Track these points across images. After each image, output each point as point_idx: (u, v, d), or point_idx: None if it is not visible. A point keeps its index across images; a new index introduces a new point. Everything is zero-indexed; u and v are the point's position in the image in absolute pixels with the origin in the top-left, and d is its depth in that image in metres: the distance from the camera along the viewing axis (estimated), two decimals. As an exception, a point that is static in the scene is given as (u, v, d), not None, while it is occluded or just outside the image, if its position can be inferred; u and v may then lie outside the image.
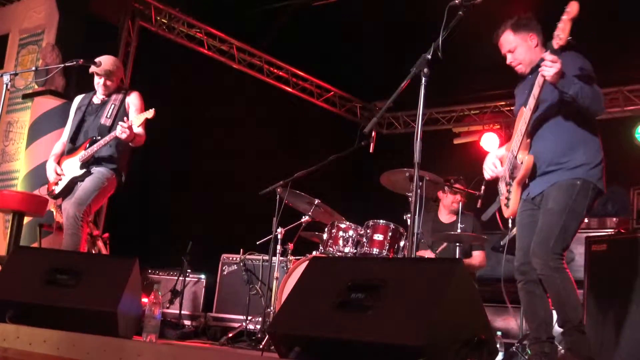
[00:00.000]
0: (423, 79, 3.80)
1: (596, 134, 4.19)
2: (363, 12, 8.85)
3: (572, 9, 3.73)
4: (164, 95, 8.80)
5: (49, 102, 8.10)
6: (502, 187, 4.44)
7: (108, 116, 5.55)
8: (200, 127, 9.31)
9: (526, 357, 5.42)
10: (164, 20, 9.25)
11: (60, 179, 5.61)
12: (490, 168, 4.49)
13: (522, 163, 4.21)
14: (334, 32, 9.27)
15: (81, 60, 5.66)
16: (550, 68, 3.82)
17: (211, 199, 9.15)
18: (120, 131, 5.27)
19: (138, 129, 5.41)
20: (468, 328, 2.93)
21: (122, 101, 5.64)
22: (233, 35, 9.77)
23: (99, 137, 5.48)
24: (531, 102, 4.10)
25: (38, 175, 7.90)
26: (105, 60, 5.66)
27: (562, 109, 4.12)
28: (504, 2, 7.53)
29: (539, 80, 3.99)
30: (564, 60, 3.90)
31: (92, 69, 5.64)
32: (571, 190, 4.06)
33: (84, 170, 5.47)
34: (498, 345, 5.56)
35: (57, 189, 5.61)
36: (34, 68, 6.85)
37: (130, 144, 5.49)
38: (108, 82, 5.64)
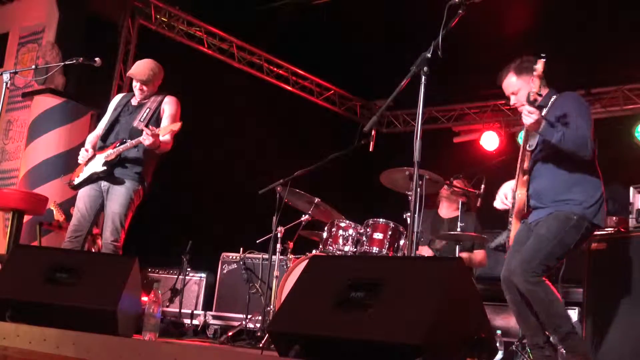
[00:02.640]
0: (423, 77, 3.81)
1: (593, 173, 4.32)
2: (363, 10, 8.84)
3: (539, 67, 4.07)
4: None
5: (49, 101, 8.10)
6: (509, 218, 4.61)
7: (142, 120, 5.48)
8: (200, 125, 9.29)
9: (526, 356, 5.43)
10: (164, 19, 9.25)
11: (83, 165, 5.54)
12: (502, 199, 4.65)
13: (517, 199, 4.41)
14: (334, 30, 9.26)
15: (81, 58, 5.64)
16: (527, 118, 4.07)
17: (211, 197, 9.15)
18: (144, 137, 5.23)
19: (164, 137, 5.36)
20: (468, 327, 2.93)
21: (159, 105, 5.56)
22: (233, 33, 9.77)
23: (129, 140, 5.43)
24: (522, 142, 4.38)
25: (38, 173, 7.91)
26: (143, 66, 5.59)
27: (557, 151, 4.23)
28: (504, 0, 7.55)
29: (524, 128, 4.25)
30: (557, 103, 4.25)
31: (130, 73, 5.60)
32: (566, 223, 4.21)
33: (104, 168, 5.39)
34: (498, 344, 5.57)
35: (77, 181, 5.53)
36: (33, 66, 6.86)
37: (155, 150, 5.46)
38: (144, 87, 5.57)
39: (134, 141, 5.35)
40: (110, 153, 5.40)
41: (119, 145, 5.41)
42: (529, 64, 4.36)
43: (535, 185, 4.37)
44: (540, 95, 4.15)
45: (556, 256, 4.22)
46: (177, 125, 5.35)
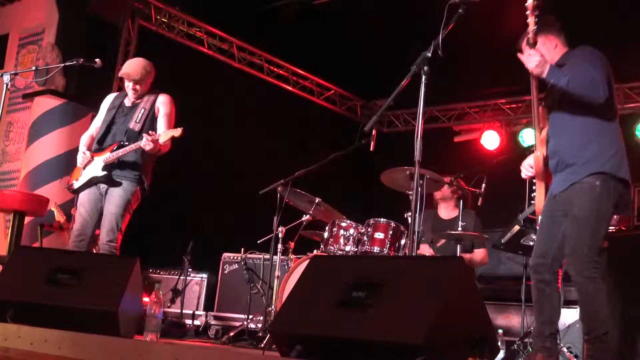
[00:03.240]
0: (423, 77, 3.81)
1: (609, 125, 4.19)
2: (363, 10, 8.85)
3: (528, 3, 3.96)
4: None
5: (49, 102, 8.10)
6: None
7: (137, 121, 5.48)
8: (201, 125, 9.30)
9: (527, 354, 5.43)
10: (164, 19, 9.25)
11: (87, 162, 5.53)
12: (527, 168, 4.50)
13: (534, 160, 4.31)
14: (334, 30, 9.27)
15: (81, 59, 5.64)
16: (527, 62, 4.00)
17: (212, 198, 9.14)
18: (145, 143, 5.23)
19: (163, 142, 5.35)
20: (469, 326, 2.93)
21: (152, 105, 5.56)
22: (233, 34, 9.77)
23: (127, 142, 5.41)
24: (533, 93, 4.21)
25: (39, 175, 7.91)
26: (134, 65, 5.57)
27: (570, 105, 4.15)
28: (504, 0, 7.54)
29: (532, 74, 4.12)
30: (572, 56, 4.10)
31: (121, 73, 5.58)
32: (593, 193, 4.06)
33: (105, 172, 5.40)
34: (499, 343, 5.57)
35: (76, 184, 5.55)
36: (34, 68, 6.85)
37: (154, 154, 5.46)
38: (137, 87, 5.56)
39: (133, 146, 5.35)
40: (109, 156, 5.40)
41: (116, 148, 5.41)
42: (545, 24, 4.27)
43: (553, 144, 4.25)
44: (535, 33, 4.00)
45: (602, 232, 4.06)
46: (178, 131, 5.34)
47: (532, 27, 3.98)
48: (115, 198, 5.39)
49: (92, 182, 5.46)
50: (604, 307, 4.01)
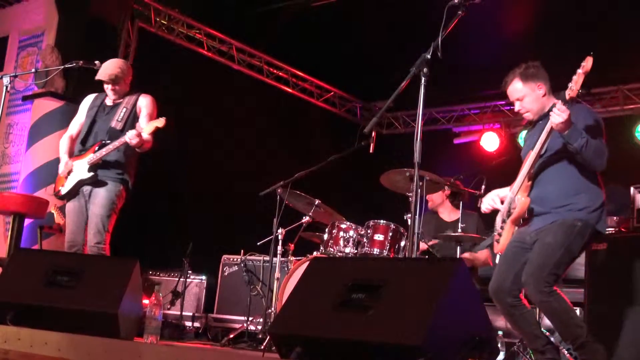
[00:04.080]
0: (423, 78, 3.81)
1: (596, 182, 4.30)
2: (362, 12, 8.85)
3: (587, 64, 3.96)
4: (163, 96, 8.79)
5: (49, 104, 8.10)
6: (498, 222, 4.54)
7: (119, 119, 5.50)
8: (200, 127, 9.31)
9: (527, 356, 5.42)
10: (164, 21, 9.25)
11: (64, 176, 5.55)
12: (489, 203, 4.59)
13: (518, 204, 4.33)
14: (334, 32, 9.27)
15: (81, 61, 5.64)
16: (558, 117, 3.97)
17: (211, 200, 9.14)
18: (130, 138, 5.26)
19: (147, 136, 5.38)
20: (469, 327, 2.93)
21: (134, 104, 5.58)
22: (233, 36, 9.77)
23: (109, 141, 5.42)
24: (537, 147, 4.25)
25: (39, 177, 7.91)
26: (110, 66, 5.59)
27: (567, 157, 4.24)
28: (503, 1, 7.56)
29: (547, 128, 4.15)
30: (575, 112, 4.10)
31: (98, 76, 5.58)
32: (571, 230, 4.17)
33: (91, 173, 5.41)
34: (499, 345, 5.57)
35: (63, 190, 5.55)
36: (33, 70, 6.85)
37: (137, 149, 5.47)
38: (117, 87, 5.58)
39: (117, 143, 5.37)
40: (92, 157, 5.42)
41: (99, 148, 5.43)
42: (535, 70, 4.34)
43: (540, 191, 4.32)
44: (580, 93, 4.02)
45: (564, 264, 4.18)
46: (161, 122, 5.37)
47: (578, 86, 3.98)
48: (99, 199, 5.40)
49: (79, 185, 5.48)
50: (574, 312, 4.15)
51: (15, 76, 5.67)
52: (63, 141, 5.74)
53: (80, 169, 5.47)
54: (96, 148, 5.44)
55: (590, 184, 4.27)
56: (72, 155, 5.62)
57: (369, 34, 9.11)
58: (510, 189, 4.49)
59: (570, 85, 3.99)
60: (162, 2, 9.12)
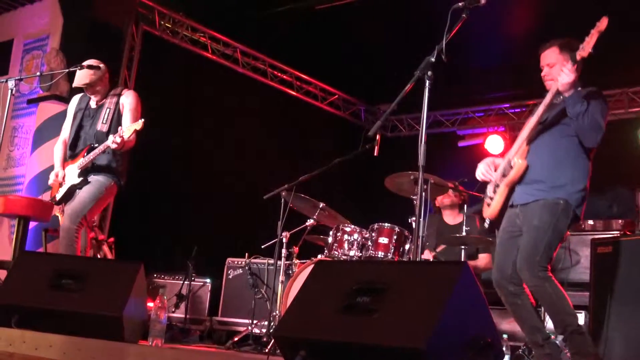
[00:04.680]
0: (427, 81, 3.81)
1: (585, 165, 4.32)
2: (366, 15, 8.85)
3: (602, 23, 4.04)
4: (167, 99, 8.82)
5: (54, 107, 8.12)
6: (489, 189, 4.58)
7: (104, 121, 5.55)
8: (204, 130, 9.33)
9: (532, 359, 5.41)
10: (168, 25, 9.27)
11: (58, 184, 5.62)
12: (483, 171, 4.63)
13: (515, 166, 4.36)
14: (338, 35, 9.27)
15: (85, 64, 5.66)
16: (566, 76, 4.06)
17: (216, 203, 9.15)
18: (111, 142, 5.29)
19: (127, 138, 5.37)
20: (473, 331, 2.92)
21: (117, 103, 5.62)
22: (237, 39, 9.79)
23: (97, 144, 5.47)
24: (539, 111, 4.29)
25: (44, 180, 7.92)
26: (81, 75, 5.61)
27: (563, 129, 4.28)
28: (507, 5, 7.56)
29: (551, 91, 4.22)
30: (588, 90, 4.20)
31: (74, 83, 5.63)
32: (555, 208, 4.22)
33: (81, 178, 5.48)
34: (504, 348, 5.56)
35: (58, 196, 5.62)
36: (38, 73, 6.88)
37: (121, 150, 5.50)
38: (95, 89, 5.64)
39: (101, 147, 5.41)
40: (82, 162, 5.48)
41: (87, 152, 5.47)
42: (574, 45, 4.30)
43: (532, 157, 4.36)
44: (591, 53, 4.07)
45: (555, 244, 4.23)
46: (139, 124, 5.37)
47: (590, 46, 4.03)
48: (86, 187, 5.47)
49: (71, 190, 5.54)
50: (566, 299, 4.16)
51: (20, 79, 5.70)
52: (58, 147, 5.81)
53: (72, 174, 5.55)
54: (85, 153, 5.50)
55: (578, 162, 4.29)
56: (65, 159, 5.66)
57: (373, 36, 9.11)
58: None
59: (581, 45, 4.05)
60: (166, 6, 9.14)
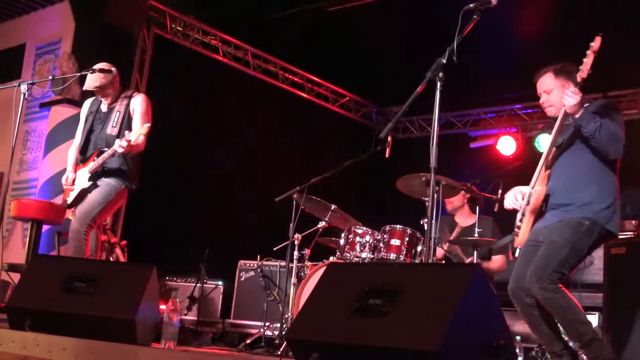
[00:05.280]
0: (438, 83, 3.80)
1: (611, 178, 4.27)
2: (377, 16, 8.84)
3: (596, 44, 4.02)
4: (179, 102, 8.84)
5: (66, 111, 8.16)
6: (518, 218, 4.53)
7: (114, 125, 5.56)
8: (216, 133, 9.34)
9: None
10: (179, 28, 9.30)
11: (70, 187, 5.64)
12: (512, 200, 4.56)
13: (534, 193, 4.35)
14: (349, 37, 9.27)
15: (97, 68, 5.67)
16: (571, 98, 4.03)
17: (228, 205, 9.17)
18: (119, 147, 5.32)
19: (134, 143, 5.38)
20: (486, 333, 2.91)
21: (127, 107, 5.63)
22: (248, 41, 9.80)
23: (106, 148, 5.49)
24: (553, 134, 4.29)
25: (56, 183, 7.95)
26: (92, 78, 5.62)
27: (581, 148, 4.24)
28: (519, 6, 7.53)
29: (560, 115, 4.20)
30: (595, 104, 4.19)
31: (85, 86, 5.65)
32: (578, 227, 4.17)
33: (91, 182, 5.49)
34: (517, 350, 5.53)
35: (69, 200, 5.63)
36: (50, 77, 6.90)
37: (130, 154, 5.51)
38: (106, 92, 5.64)
39: (110, 151, 5.42)
40: (92, 166, 5.48)
41: (97, 157, 5.48)
42: (568, 69, 4.32)
43: (553, 182, 4.33)
44: (589, 75, 4.07)
45: (570, 263, 4.17)
46: (145, 128, 5.40)
47: (587, 67, 4.03)
48: (99, 188, 5.48)
49: (82, 194, 5.54)
50: (578, 309, 4.10)
51: (33, 83, 5.71)
52: (71, 151, 5.81)
53: (82, 178, 5.56)
54: (95, 156, 5.52)
55: (602, 177, 4.25)
56: (77, 163, 5.70)
57: (384, 38, 9.10)
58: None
59: (580, 67, 4.05)
60: (177, 9, 9.16)
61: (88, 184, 5.50)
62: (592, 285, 6.37)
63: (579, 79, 4.05)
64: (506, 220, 6.59)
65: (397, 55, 9.33)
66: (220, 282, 8.09)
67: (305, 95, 10.69)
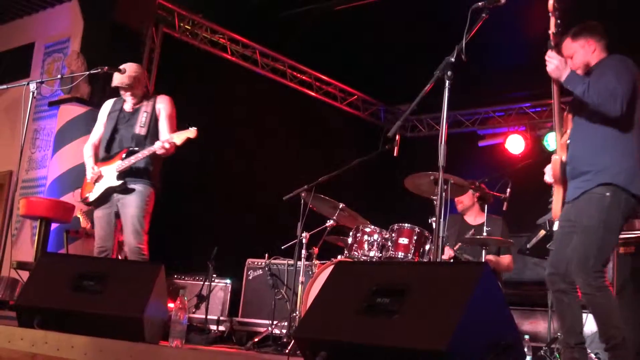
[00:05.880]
0: (447, 82, 3.79)
1: (626, 137, 4.11)
2: (385, 15, 8.84)
3: (548, 3, 4.00)
4: (187, 100, 8.84)
5: (75, 109, 8.18)
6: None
7: (142, 125, 5.53)
8: (224, 132, 9.35)
9: (554, 360, 5.38)
10: (188, 27, 9.31)
11: (97, 177, 5.54)
12: (548, 173, 4.44)
13: (552, 164, 4.27)
14: (357, 36, 9.27)
15: (106, 67, 5.67)
16: (549, 64, 4.03)
17: (236, 204, 9.17)
18: (160, 147, 5.32)
19: (181, 143, 5.40)
20: (494, 332, 2.90)
21: (154, 108, 5.61)
22: (256, 40, 9.81)
23: (136, 148, 5.46)
24: (555, 100, 4.21)
25: (65, 182, 7.98)
26: (122, 75, 5.60)
27: (586, 111, 4.13)
28: (527, 4, 7.49)
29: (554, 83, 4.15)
30: (601, 64, 4.10)
31: (114, 82, 5.61)
32: (602, 203, 4.02)
33: (120, 181, 5.43)
34: (526, 349, 5.52)
35: (92, 197, 5.56)
36: (59, 76, 6.92)
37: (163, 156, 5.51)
38: (133, 92, 5.60)
39: (146, 151, 5.40)
40: (120, 164, 5.44)
41: (127, 155, 5.45)
42: (586, 27, 4.24)
43: (571, 149, 4.23)
44: (555, 35, 4.03)
45: (609, 242, 4.06)
46: (192, 132, 5.40)
47: (552, 28, 4.01)
48: (132, 201, 5.43)
49: (108, 192, 5.50)
50: (615, 312, 4.02)
51: (42, 82, 5.71)
52: (86, 149, 5.75)
53: (109, 176, 5.49)
54: (123, 155, 5.47)
55: (617, 142, 4.10)
56: (96, 160, 5.66)
57: (392, 36, 9.09)
58: None
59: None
60: (186, 8, 9.18)
61: (117, 182, 5.44)
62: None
63: (552, 42, 4.02)
64: (515, 220, 6.61)
65: (405, 54, 9.31)
66: (228, 281, 8.10)
67: (313, 93, 10.69)
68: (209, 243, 7.75)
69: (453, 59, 3.80)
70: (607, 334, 4.00)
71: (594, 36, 4.27)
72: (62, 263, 4.23)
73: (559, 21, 4.01)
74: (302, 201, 6.38)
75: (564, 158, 4.25)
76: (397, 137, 4.95)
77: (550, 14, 4.00)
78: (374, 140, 5.96)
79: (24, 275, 6.40)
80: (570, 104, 4.34)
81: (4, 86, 6.16)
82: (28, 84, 5.56)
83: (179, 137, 5.38)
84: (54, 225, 7.44)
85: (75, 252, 7.24)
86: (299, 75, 10.49)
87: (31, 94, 5.47)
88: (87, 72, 6.23)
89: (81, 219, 7.26)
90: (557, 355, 5.44)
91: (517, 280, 7.64)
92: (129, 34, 8.54)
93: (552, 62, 4.00)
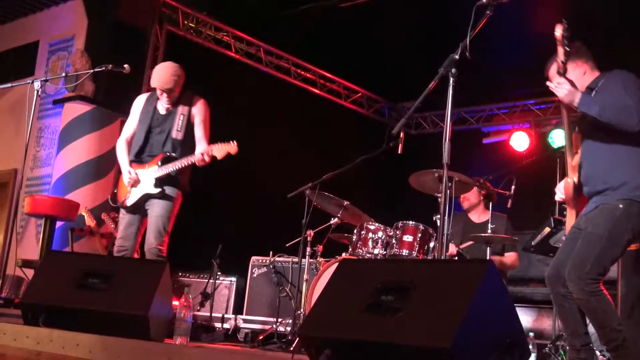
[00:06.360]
0: (451, 79, 3.79)
1: (639, 151, 4.11)
2: (390, 12, 8.82)
3: (557, 32, 3.97)
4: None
5: (79, 108, 8.19)
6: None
7: (179, 129, 5.47)
8: (228, 129, 9.32)
9: (559, 358, 5.37)
10: (192, 24, 9.31)
11: (134, 182, 5.46)
12: (560, 191, 4.45)
13: (564, 186, 4.28)
14: (361, 33, 9.25)
15: (110, 65, 5.65)
16: (559, 90, 4.01)
17: (240, 201, 9.17)
18: (199, 159, 5.34)
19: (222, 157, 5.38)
20: (499, 329, 2.90)
21: (189, 111, 5.54)
22: (260, 38, 9.80)
23: (173, 154, 5.43)
24: (565, 126, 4.26)
25: (70, 180, 8.00)
26: (165, 74, 5.47)
27: (599, 130, 4.11)
28: (532, 1, 7.48)
29: (562, 108, 4.18)
30: (606, 83, 4.09)
31: (153, 83, 5.49)
32: (611, 213, 4.01)
33: (159, 189, 5.39)
34: (530, 347, 5.52)
35: (129, 202, 5.49)
36: (64, 74, 6.93)
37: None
38: (172, 94, 5.50)
39: (185, 161, 5.37)
40: (157, 170, 5.39)
41: (163, 161, 5.40)
42: (573, 50, 4.20)
43: (584, 170, 4.22)
44: (564, 63, 4.00)
45: (611, 253, 4.02)
46: (234, 149, 5.39)
47: (561, 57, 3.98)
48: (160, 202, 5.41)
49: (144, 199, 5.45)
50: (613, 314, 4.00)
51: (46, 80, 5.72)
52: (121, 146, 5.64)
53: (147, 182, 5.44)
54: (159, 161, 5.42)
55: (632, 157, 4.09)
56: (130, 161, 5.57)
57: (397, 34, 9.08)
58: None
59: (557, 59, 4.03)
60: (190, 6, 9.18)
61: (155, 190, 5.40)
62: (606, 281, 6.32)
63: (561, 70, 4.00)
64: (520, 217, 6.60)
65: (410, 51, 9.30)
66: (232, 279, 8.11)
67: (317, 91, 10.68)
68: (213, 241, 7.75)
69: (457, 56, 3.79)
70: (606, 337, 3.99)
71: (581, 58, 4.28)
72: (67, 261, 4.23)
73: (567, 49, 3.97)
74: (307, 199, 6.38)
75: (575, 180, 4.25)
76: (402, 134, 4.97)
77: (558, 43, 3.97)
78: (378, 137, 5.95)
79: (29, 273, 6.41)
80: (579, 124, 4.33)
81: (9, 84, 6.16)
82: (32, 82, 5.56)
83: (220, 152, 5.35)
84: (58, 223, 7.46)
85: (80, 250, 7.26)
86: (303, 72, 10.48)
87: (36, 92, 5.48)
88: (92, 70, 6.22)
89: (86, 217, 7.26)
90: (562, 352, 5.43)
91: (522, 277, 7.64)
92: (133, 31, 8.55)
93: (564, 88, 3.99)
